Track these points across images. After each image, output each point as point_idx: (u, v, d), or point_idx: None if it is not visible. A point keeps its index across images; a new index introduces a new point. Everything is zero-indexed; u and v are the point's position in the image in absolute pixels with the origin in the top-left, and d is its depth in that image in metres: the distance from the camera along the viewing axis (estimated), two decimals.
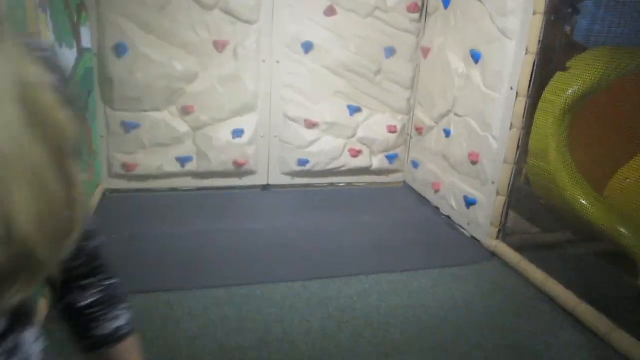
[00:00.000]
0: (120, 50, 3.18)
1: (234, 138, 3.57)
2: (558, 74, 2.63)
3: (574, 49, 2.72)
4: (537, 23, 2.59)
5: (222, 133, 3.55)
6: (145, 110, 3.38)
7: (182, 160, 3.55)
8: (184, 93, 3.41)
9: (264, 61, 3.49)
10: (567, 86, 2.55)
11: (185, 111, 3.44)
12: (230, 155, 3.59)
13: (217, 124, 3.54)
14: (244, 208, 3.47)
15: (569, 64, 2.61)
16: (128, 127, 3.37)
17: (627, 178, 2.93)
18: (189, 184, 3.64)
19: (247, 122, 3.60)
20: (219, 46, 3.37)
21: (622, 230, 2.37)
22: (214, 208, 3.42)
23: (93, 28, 3.14)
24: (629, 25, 2.67)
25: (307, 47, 3.50)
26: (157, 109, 3.40)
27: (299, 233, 3.12)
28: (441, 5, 3.37)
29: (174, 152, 3.53)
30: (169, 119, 3.45)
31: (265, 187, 3.80)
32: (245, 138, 3.60)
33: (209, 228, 3.09)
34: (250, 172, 3.73)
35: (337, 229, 3.20)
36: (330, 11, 3.45)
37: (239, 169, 3.66)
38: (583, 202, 2.49)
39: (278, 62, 3.51)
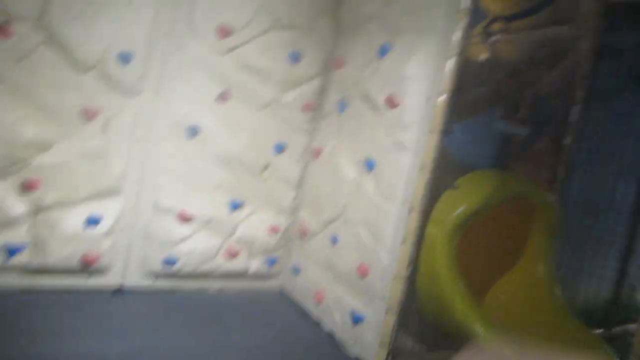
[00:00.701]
0: None
1: (87, 226, 2.91)
2: (447, 191, 2.67)
3: (460, 168, 2.82)
4: (432, 140, 2.62)
5: (72, 220, 2.87)
6: None
7: (10, 250, 2.75)
8: (28, 164, 2.73)
9: (138, 141, 3.02)
10: (454, 207, 2.58)
11: (26, 187, 2.73)
12: (78, 248, 2.89)
13: (66, 207, 2.86)
14: (85, 321, 2.69)
15: (457, 182, 2.67)
16: None
17: (502, 293, 2.99)
18: (13, 282, 2.80)
19: (107, 209, 2.98)
20: (88, 115, 2.83)
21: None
22: (42, 319, 2.60)
23: None
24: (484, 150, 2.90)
25: (192, 132, 3.14)
26: None
27: None
28: (336, 109, 3.35)
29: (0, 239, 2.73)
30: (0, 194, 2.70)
31: (118, 291, 3.10)
32: (101, 228, 2.95)
33: (24, 352, 2.26)
34: (102, 271, 3.03)
35: (202, 353, 2.62)
36: (223, 97, 3.20)
37: (87, 266, 2.95)
38: (475, 327, 2.41)
39: (156, 143, 3.07)
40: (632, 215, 2.41)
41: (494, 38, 2.82)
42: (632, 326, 2.33)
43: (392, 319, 2.65)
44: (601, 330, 2.31)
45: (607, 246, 2.35)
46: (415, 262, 2.62)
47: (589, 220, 2.37)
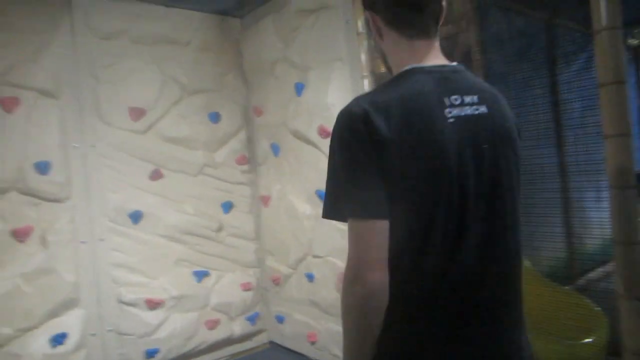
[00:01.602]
0: None
1: (54, 346, 2.72)
2: None
3: None
4: None
5: (36, 345, 2.68)
6: None
7: None
8: None
9: (83, 242, 2.89)
10: None
11: None
12: None
13: (26, 334, 2.67)
14: None
15: None
16: None
17: None
18: None
19: (70, 322, 2.81)
20: (20, 235, 2.68)
21: None
22: None
23: None
24: None
25: (136, 216, 3.06)
26: None
27: None
28: (271, 154, 3.41)
29: None
30: None
31: None
32: (69, 343, 2.78)
33: None
34: None
35: None
36: (156, 175, 3.15)
37: None
38: None
39: (102, 239, 2.96)
40: (560, 172, 2.66)
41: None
42: (591, 274, 2.56)
43: None
44: (570, 286, 2.50)
45: (549, 207, 2.56)
46: None
47: (528, 186, 2.58)
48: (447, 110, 0.97)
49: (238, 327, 3.45)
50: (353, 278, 0.93)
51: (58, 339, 2.75)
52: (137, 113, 3.08)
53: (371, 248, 0.92)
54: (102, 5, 2.98)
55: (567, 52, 2.64)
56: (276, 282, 3.51)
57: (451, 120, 0.97)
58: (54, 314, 2.77)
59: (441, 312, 0.95)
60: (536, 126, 2.48)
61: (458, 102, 0.99)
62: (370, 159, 0.92)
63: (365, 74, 2.66)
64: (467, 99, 1.01)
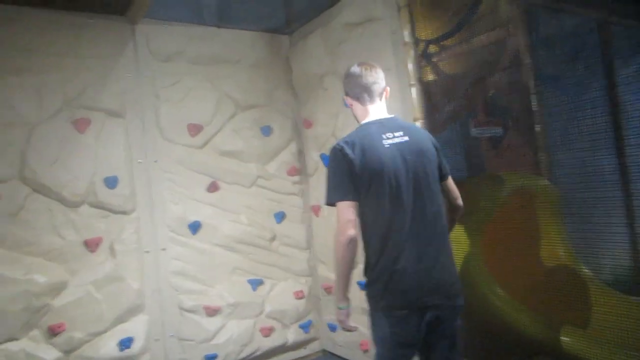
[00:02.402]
0: None
1: (121, 350, 2.91)
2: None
3: None
4: None
5: (106, 348, 2.87)
6: None
7: None
8: (49, 310, 2.76)
9: (147, 252, 3.08)
10: (466, 217, 2.67)
11: (53, 332, 2.75)
12: None
13: (96, 338, 2.87)
14: None
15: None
16: None
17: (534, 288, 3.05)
18: None
19: (136, 327, 3.00)
20: (91, 245, 2.90)
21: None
22: None
23: None
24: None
25: (195, 227, 3.22)
26: (13, 338, 2.65)
27: None
28: (321, 164, 3.49)
29: None
30: (31, 347, 2.69)
31: None
32: (135, 347, 2.96)
33: None
34: None
35: None
36: (213, 187, 3.31)
37: None
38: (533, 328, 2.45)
39: (164, 249, 3.14)
40: (621, 177, 2.54)
41: (434, 59, 3.05)
42: None
43: None
44: (635, 297, 2.37)
45: (611, 213, 2.46)
46: None
47: (584, 194, 2.49)
48: (384, 141, 1.85)
49: (292, 335, 3.53)
50: (340, 233, 1.77)
51: (125, 343, 2.94)
52: (195, 129, 3.26)
53: (348, 216, 1.77)
54: (161, 30, 3.20)
55: (625, 51, 2.55)
56: (328, 290, 3.55)
57: (387, 146, 1.84)
58: (121, 319, 2.96)
59: (390, 247, 1.78)
60: (593, 129, 2.40)
61: (390, 136, 1.87)
62: (346, 171, 1.80)
63: (412, 82, 2.69)
64: (396, 134, 1.88)
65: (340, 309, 1.84)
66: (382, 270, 1.77)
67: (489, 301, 2.56)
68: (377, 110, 1.96)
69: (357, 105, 1.99)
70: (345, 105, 2.08)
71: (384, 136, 1.85)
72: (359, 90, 1.96)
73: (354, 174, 1.78)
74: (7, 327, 2.62)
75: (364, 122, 1.94)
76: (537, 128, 2.88)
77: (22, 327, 2.68)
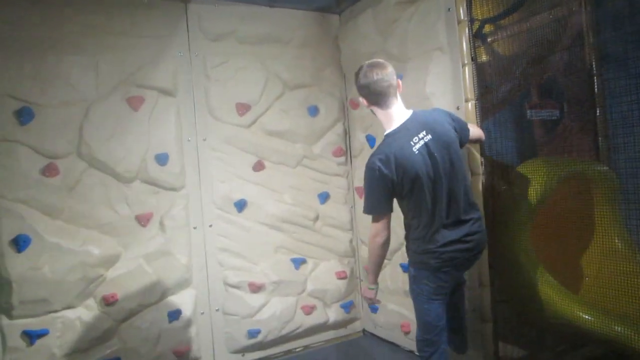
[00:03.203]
0: (20, 243, 2.64)
1: (170, 322, 3.01)
2: (503, 191, 2.69)
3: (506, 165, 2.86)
4: (474, 145, 2.66)
5: (155, 319, 2.98)
6: (55, 311, 2.74)
7: None
8: (104, 280, 2.87)
9: (195, 228, 3.16)
10: (516, 205, 2.60)
11: (107, 301, 2.86)
12: (167, 344, 2.99)
13: (146, 309, 2.98)
14: None
15: (512, 177, 2.70)
16: (32, 336, 2.67)
17: (586, 276, 2.95)
18: None
19: (183, 300, 3.09)
20: (143, 220, 2.99)
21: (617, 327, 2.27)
22: None
23: None
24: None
25: (241, 205, 3.27)
26: (71, 306, 2.78)
27: None
28: (367, 146, 3.46)
29: (95, 356, 2.83)
30: (86, 315, 2.82)
31: None
32: (182, 319, 3.06)
33: None
34: (193, 359, 3.11)
35: None
36: (259, 166, 3.34)
37: (181, 359, 3.03)
38: (581, 314, 2.39)
39: (211, 225, 3.20)
40: None
41: (489, 39, 2.94)
42: None
43: (489, 328, 2.65)
44: None
45: None
46: (495, 267, 2.63)
47: None
48: (413, 148, 2.09)
49: (333, 314, 3.56)
50: (376, 237, 2.19)
51: (173, 315, 3.04)
52: (243, 108, 3.28)
53: (384, 225, 2.17)
54: (213, 9, 3.22)
55: None
56: None
57: (416, 152, 2.09)
58: (170, 292, 3.06)
59: (434, 230, 2.15)
60: None
61: (417, 140, 2.10)
62: (382, 187, 2.10)
63: (466, 62, 2.61)
64: (420, 135, 2.11)
65: (371, 289, 2.40)
66: (430, 246, 2.17)
67: (539, 289, 2.50)
68: (398, 112, 2.18)
69: (377, 110, 2.21)
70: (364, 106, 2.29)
71: (411, 143, 2.10)
72: (375, 97, 2.16)
73: (392, 188, 2.11)
74: (64, 295, 2.76)
75: (389, 130, 2.17)
76: (598, 112, 2.76)
77: (79, 296, 2.81)
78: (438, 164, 2.10)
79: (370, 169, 2.10)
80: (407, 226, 2.28)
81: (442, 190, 2.13)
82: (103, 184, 2.90)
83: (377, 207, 2.14)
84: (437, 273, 2.20)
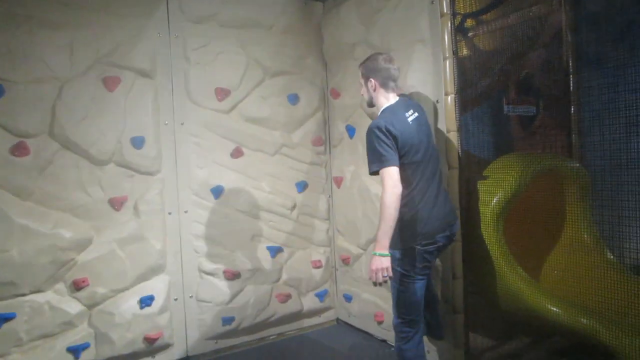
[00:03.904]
0: None
1: (142, 308, 2.97)
2: (479, 183, 2.74)
3: (481, 159, 2.91)
4: (453, 138, 2.67)
5: (127, 305, 2.94)
6: (23, 295, 2.67)
7: (76, 350, 2.80)
8: (75, 264, 2.81)
9: (170, 213, 3.11)
10: (490, 196, 2.65)
11: (77, 286, 2.81)
12: (139, 330, 2.95)
13: (118, 295, 2.94)
14: None
15: (485, 172, 2.75)
16: None
17: (555, 270, 3.04)
18: None
19: (156, 286, 3.05)
20: (116, 204, 2.93)
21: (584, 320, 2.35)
22: None
23: None
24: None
25: (217, 191, 3.24)
26: (39, 290, 2.72)
27: None
28: (346, 136, 3.46)
29: (64, 342, 2.78)
30: (55, 300, 2.76)
31: None
32: (155, 306, 3.02)
33: None
34: (166, 346, 3.08)
35: None
36: (237, 152, 3.31)
37: (151, 345, 2.99)
38: (549, 306, 2.45)
39: (186, 211, 3.16)
40: None
41: (470, 34, 2.97)
42: None
43: (461, 319, 2.70)
44: None
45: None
46: (468, 260, 2.68)
47: (615, 178, 2.45)
48: (407, 118, 2.36)
49: (307, 303, 3.58)
50: (392, 189, 2.21)
51: (146, 301, 3.00)
52: (223, 93, 3.23)
53: (396, 176, 2.23)
54: None
55: None
56: (346, 261, 3.58)
57: (410, 122, 2.35)
58: (143, 277, 3.01)
59: (424, 198, 2.34)
60: (634, 112, 2.33)
61: (409, 113, 2.39)
62: (391, 144, 2.25)
63: (447, 55, 2.63)
64: (411, 111, 2.41)
65: (383, 255, 2.23)
66: (422, 214, 2.34)
67: (510, 281, 2.56)
68: (394, 94, 2.47)
69: (380, 91, 2.45)
70: (364, 85, 2.49)
71: (406, 114, 2.38)
72: (387, 80, 2.43)
73: (397, 146, 2.27)
74: (33, 279, 2.69)
75: (388, 104, 2.43)
76: (572, 109, 2.83)
77: (48, 280, 2.74)
78: (425, 138, 2.40)
79: (377, 128, 2.26)
80: (403, 203, 2.27)
81: (430, 163, 2.39)
82: (76, 165, 2.82)
83: (390, 159, 2.23)
84: (424, 253, 2.35)
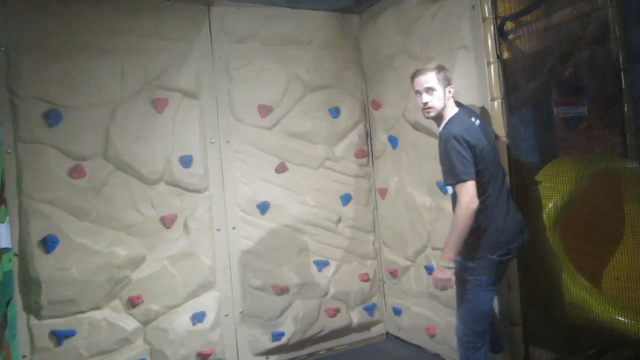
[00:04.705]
0: (48, 244, 2.67)
1: (194, 324, 3.02)
2: (534, 188, 2.65)
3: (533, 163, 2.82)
4: (501, 143, 2.62)
5: (180, 321, 2.99)
6: (82, 312, 2.76)
7: None
8: (130, 282, 2.89)
9: (218, 230, 3.16)
10: (546, 201, 2.56)
11: (132, 303, 2.88)
12: (192, 346, 2.99)
13: (171, 311, 2.99)
14: None
15: (538, 177, 2.65)
16: (59, 337, 2.69)
17: (618, 275, 2.88)
18: None
19: (207, 302, 3.10)
20: (167, 222, 3.01)
21: None
22: None
23: (13, 222, 2.63)
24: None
25: (263, 207, 3.28)
26: (97, 307, 2.80)
27: None
28: (389, 147, 3.45)
29: (121, 358, 2.85)
30: (112, 316, 2.84)
31: None
32: (207, 322, 3.06)
33: None
34: None
35: None
36: (281, 168, 3.35)
37: None
38: (614, 315, 2.33)
39: (234, 227, 3.21)
40: None
41: (512, 36, 2.92)
42: None
43: (519, 331, 2.60)
44: None
45: None
46: (524, 270, 2.59)
47: None
48: (475, 124, 2.31)
49: (356, 317, 3.53)
50: (469, 205, 2.15)
51: (198, 317, 3.04)
52: (265, 110, 3.30)
53: (474, 192, 2.17)
54: (236, 11, 3.25)
55: None
56: (393, 274, 3.53)
57: (477, 126, 2.31)
58: (194, 294, 3.07)
59: (497, 206, 2.28)
60: None
61: (474, 120, 2.34)
62: (469, 155, 2.18)
63: (491, 60, 2.59)
64: (473, 117, 2.36)
65: (448, 267, 2.22)
66: (497, 223, 2.28)
67: (570, 290, 2.45)
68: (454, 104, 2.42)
69: (451, 99, 2.38)
70: (441, 93, 2.33)
71: (473, 120, 2.33)
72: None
73: (474, 155, 2.20)
74: (91, 296, 2.78)
75: (456, 112, 2.35)
76: (626, 108, 2.71)
77: (105, 297, 2.83)
78: (490, 144, 2.32)
79: (453, 137, 2.18)
80: (478, 211, 2.21)
81: (499, 170, 2.34)
82: (128, 185, 2.93)
83: (466, 172, 2.15)
84: (499, 264, 2.30)
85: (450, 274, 2.23)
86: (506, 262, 2.35)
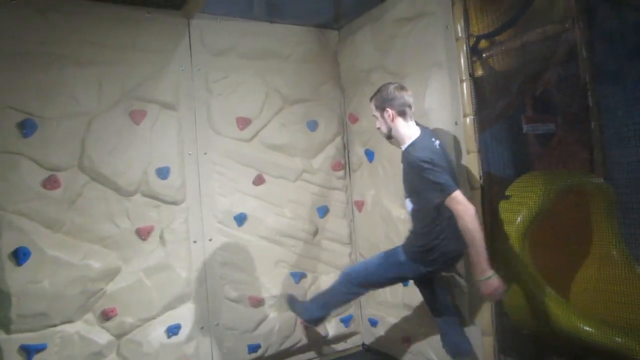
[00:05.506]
0: (20, 256, 2.62)
1: (169, 337, 2.99)
2: (501, 204, 2.73)
3: (503, 178, 2.90)
4: (473, 159, 2.69)
5: (154, 334, 2.96)
6: (54, 325, 2.71)
7: None
8: (103, 294, 2.85)
9: (195, 242, 3.15)
10: (514, 215, 2.63)
11: (106, 316, 2.84)
12: (166, 359, 2.95)
13: (146, 324, 2.96)
14: None
15: (508, 191, 2.74)
16: (29, 351, 2.64)
17: (584, 288, 2.97)
18: None
19: (183, 315, 3.08)
20: (143, 233, 2.98)
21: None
22: None
23: None
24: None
25: (241, 219, 3.28)
26: (70, 320, 2.76)
27: None
28: (365, 160, 3.50)
29: None
30: (85, 330, 2.80)
31: None
32: (182, 334, 3.04)
33: None
34: None
35: None
36: (258, 180, 3.37)
37: None
38: (581, 325, 2.40)
39: (211, 239, 3.20)
40: None
41: (485, 55, 3.02)
42: None
43: (490, 341, 2.65)
44: None
45: None
46: None
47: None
48: (436, 145, 2.40)
49: (333, 329, 3.55)
50: (468, 210, 2.20)
51: (173, 330, 3.02)
52: (244, 122, 3.32)
53: (462, 198, 2.22)
54: (215, 24, 3.27)
55: None
56: None
57: (438, 147, 2.41)
58: (170, 306, 3.04)
59: (447, 228, 2.38)
60: None
61: (434, 140, 2.43)
62: (441, 168, 2.27)
63: (464, 77, 2.67)
64: (433, 138, 2.44)
65: (489, 278, 2.20)
66: (441, 247, 2.40)
67: (538, 301, 2.52)
68: (414, 123, 2.47)
69: (399, 120, 2.43)
70: (380, 117, 2.48)
71: (433, 142, 2.40)
72: (403, 107, 2.43)
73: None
74: (64, 310, 2.73)
75: (415, 137, 2.41)
76: (592, 125, 2.83)
77: (78, 310, 2.78)
78: (449, 165, 2.43)
79: (423, 162, 2.26)
80: (427, 225, 2.40)
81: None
82: (104, 197, 2.90)
83: (450, 184, 2.23)
84: (425, 271, 2.51)
85: (497, 282, 2.20)
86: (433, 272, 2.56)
